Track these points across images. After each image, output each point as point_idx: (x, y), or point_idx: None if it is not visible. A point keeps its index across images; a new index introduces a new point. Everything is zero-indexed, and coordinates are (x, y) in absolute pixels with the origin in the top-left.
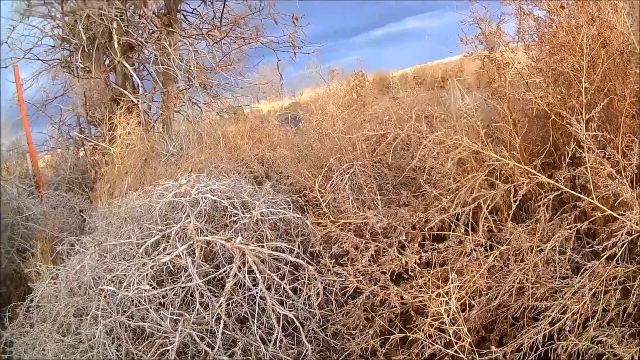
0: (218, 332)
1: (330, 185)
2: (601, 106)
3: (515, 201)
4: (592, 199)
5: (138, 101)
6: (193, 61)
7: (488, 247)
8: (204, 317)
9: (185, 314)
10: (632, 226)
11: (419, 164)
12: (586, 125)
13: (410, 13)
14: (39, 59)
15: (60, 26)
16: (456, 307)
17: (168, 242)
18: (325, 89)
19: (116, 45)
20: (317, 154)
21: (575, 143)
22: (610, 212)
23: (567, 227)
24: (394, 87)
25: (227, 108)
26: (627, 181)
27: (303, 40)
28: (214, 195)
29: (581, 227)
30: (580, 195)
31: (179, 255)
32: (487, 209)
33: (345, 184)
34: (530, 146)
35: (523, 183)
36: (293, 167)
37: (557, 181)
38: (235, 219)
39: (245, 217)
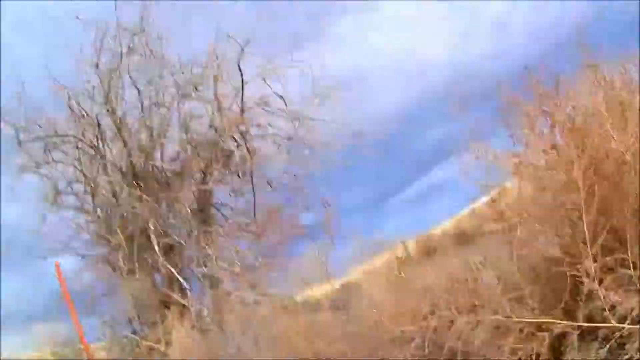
0: None
1: None
2: (602, 237)
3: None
4: (612, 322)
5: (188, 305)
6: (235, 263)
7: None
8: None
9: None
10: None
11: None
12: (594, 257)
13: (435, 162)
14: (78, 254)
15: (94, 221)
16: None
17: None
18: (370, 267)
19: (156, 246)
20: (369, 345)
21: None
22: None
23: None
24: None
25: (278, 302)
26: None
27: (338, 219)
28: None
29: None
30: (598, 325)
31: None
32: None
33: None
34: (553, 287)
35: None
36: None
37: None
38: None
39: None
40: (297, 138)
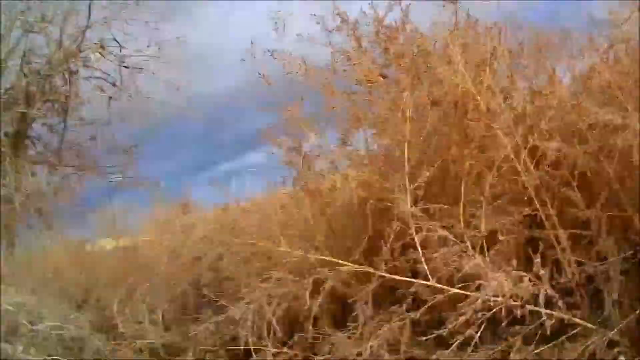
0: None
1: None
2: (429, 172)
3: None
4: (428, 280)
5: None
6: (22, 185)
7: None
8: None
9: None
10: (487, 298)
11: None
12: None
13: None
14: None
15: None
16: None
17: None
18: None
19: None
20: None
21: (398, 222)
22: (456, 290)
23: (398, 319)
24: None
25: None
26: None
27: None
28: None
29: (416, 316)
30: (412, 279)
31: None
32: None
33: None
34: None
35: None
36: None
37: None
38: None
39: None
40: (123, 87)
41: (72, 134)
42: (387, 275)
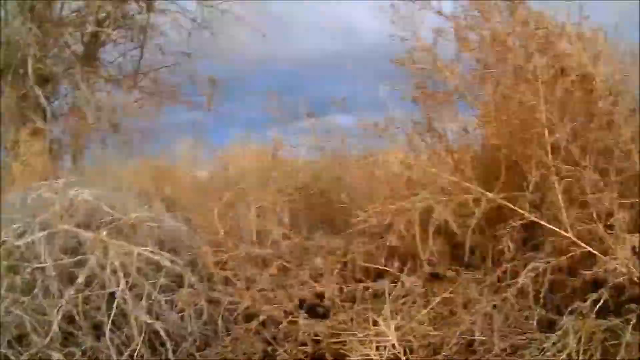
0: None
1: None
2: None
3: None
4: (567, 231)
5: (45, 126)
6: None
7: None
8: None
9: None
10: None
11: None
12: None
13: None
14: None
15: None
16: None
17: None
18: None
19: (30, 70)
20: None
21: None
22: (589, 249)
23: (541, 260)
24: None
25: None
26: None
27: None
28: (89, 196)
29: (557, 263)
30: (554, 228)
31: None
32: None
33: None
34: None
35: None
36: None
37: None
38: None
39: (121, 218)
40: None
41: (148, 63)
42: (529, 216)
